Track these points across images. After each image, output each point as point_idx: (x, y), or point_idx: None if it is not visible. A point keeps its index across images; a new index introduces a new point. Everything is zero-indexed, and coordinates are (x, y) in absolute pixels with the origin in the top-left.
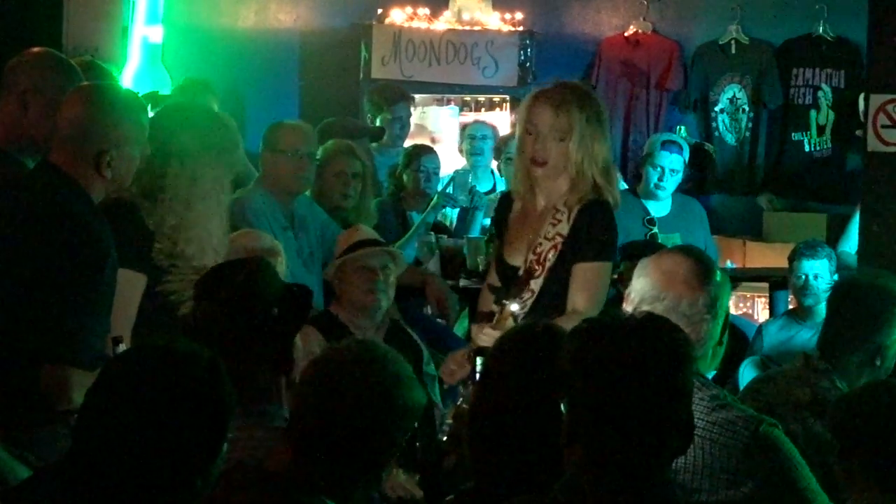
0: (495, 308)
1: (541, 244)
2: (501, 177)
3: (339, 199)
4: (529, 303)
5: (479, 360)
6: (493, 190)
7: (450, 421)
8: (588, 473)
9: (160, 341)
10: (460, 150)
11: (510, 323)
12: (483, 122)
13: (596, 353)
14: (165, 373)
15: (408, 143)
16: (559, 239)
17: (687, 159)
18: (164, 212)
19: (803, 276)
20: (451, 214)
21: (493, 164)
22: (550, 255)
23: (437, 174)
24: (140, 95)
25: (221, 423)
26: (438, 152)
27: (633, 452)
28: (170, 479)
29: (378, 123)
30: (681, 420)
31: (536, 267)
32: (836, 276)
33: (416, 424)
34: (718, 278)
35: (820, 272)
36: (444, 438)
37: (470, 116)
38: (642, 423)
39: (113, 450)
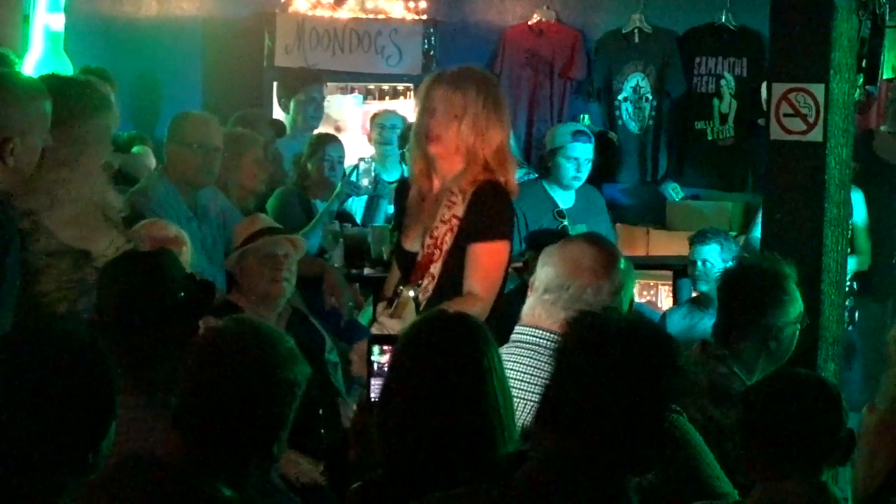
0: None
1: (437, 228)
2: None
3: (260, 185)
4: (431, 287)
5: (375, 349)
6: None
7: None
8: (555, 466)
9: (39, 324)
10: (369, 139)
11: (410, 309)
12: (393, 112)
13: (588, 350)
14: (44, 351)
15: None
16: (455, 221)
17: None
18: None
19: (694, 262)
20: (357, 203)
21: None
22: (447, 238)
23: (341, 163)
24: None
25: (107, 397)
26: (342, 141)
27: (605, 455)
28: (60, 455)
29: (291, 107)
30: (659, 433)
31: (434, 251)
32: (729, 262)
33: (299, 397)
34: (623, 266)
35: (709, 257)
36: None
37: (374, 105)
38: (623, 429)
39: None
